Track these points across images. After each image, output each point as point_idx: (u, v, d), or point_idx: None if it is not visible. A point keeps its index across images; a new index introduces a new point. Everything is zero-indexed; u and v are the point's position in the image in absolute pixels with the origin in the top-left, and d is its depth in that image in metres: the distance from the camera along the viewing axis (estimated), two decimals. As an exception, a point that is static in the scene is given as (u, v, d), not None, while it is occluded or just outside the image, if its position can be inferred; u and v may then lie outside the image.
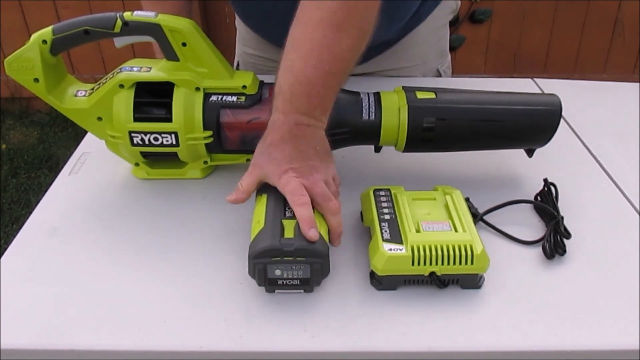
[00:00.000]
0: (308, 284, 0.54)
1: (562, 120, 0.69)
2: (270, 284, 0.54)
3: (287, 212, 0.56)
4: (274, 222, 0.55)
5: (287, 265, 0.53)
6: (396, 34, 0.94)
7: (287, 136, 0.58)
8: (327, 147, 0.62)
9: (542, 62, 2.53)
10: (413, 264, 0.54)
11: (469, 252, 0.54)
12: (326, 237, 0.56)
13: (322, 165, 0.59)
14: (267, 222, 0.55)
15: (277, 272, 0.53)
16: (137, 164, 0.73)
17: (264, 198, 0.59)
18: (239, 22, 1.05)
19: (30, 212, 0.67)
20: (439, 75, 1.03)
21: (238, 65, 1.07)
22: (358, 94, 0.68)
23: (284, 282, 0.54)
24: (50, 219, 0.67)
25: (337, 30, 0.59)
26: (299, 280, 0.54)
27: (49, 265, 0.60)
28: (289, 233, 0.54)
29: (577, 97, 0.93)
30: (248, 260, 0.54)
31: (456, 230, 0.56)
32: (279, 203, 0.57)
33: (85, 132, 0.77)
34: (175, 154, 0.70)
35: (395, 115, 0.67)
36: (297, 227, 0.54)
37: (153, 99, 0.67)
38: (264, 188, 0.60)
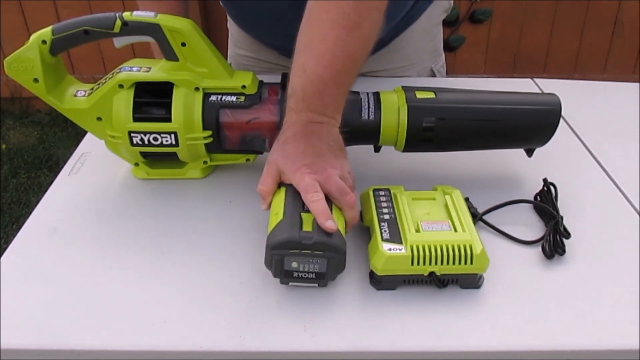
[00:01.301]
0: (323, 279, 0.54)
1: (561, 120, 0.69)
2: (285, 276, 0.54)
3: (305, 206, 0.56)
4: (293, 214, 0.55)
5: (304, 259, 0.53)
6: (389, 34, 0.94)
7: (300, 133, 0.59)
8: (341, 143, 0.62)
9: (542, 62, 2.53)
10: (412, 263, 0.54)
11: (469, 252, 0.54)
12: (343, 232, 0.56)
13: (337, 160, 0.60)
14: (285, 214, 0.55)
15: (294, 265, 0.53)
16: (136, 164, 0.73)
17: (282, 191, 0.59)
18: (231, 24, 1.05)
19: (30, 212, 0.68)
20: (433, 74, 1.04)
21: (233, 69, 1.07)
22: (357, 93, 0.68)
23: (300, 275, 0.54)
24: (50, 219, 0.67)
25: (349, 31, 0.60)
26: (314, 274, 0.54)
27: (49, 265, 0.60)
28: (307, 226, 0.54)
29: (577, 97, 0.93)
30: (265, 251, 0.54)
31: (456, 230, 0.56)
32: (297, 196, 0.57)
33: (85, 132, 0.77)
34: (174, 154, 0.70)
35: (394, 115, 0.67)
36: (316, 221, 0.54)
37: (153, 99, 0.67)
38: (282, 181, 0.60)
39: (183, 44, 0.65)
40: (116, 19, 0.64)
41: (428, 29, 0.99)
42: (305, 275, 0.54)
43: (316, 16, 0.61)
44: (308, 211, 0.56)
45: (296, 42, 0.62)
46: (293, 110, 0.61)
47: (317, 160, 0.59)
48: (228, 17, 1.05)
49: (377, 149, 0.72)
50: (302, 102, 0.60)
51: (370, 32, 0.62)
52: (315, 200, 0.56)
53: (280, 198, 0.58)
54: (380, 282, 0.56)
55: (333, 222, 0.54)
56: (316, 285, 0.55)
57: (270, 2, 0.86)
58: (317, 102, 0.60)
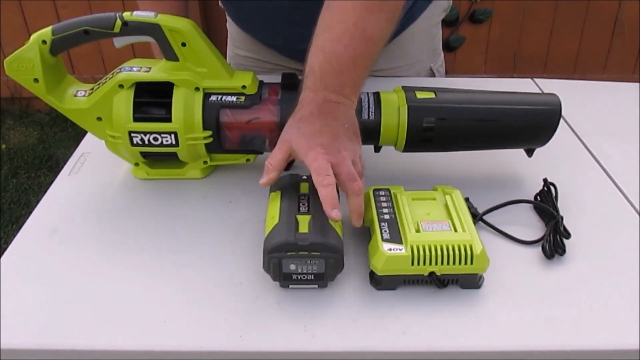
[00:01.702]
0: (322, 279, 0.54)
1: (562, 120, 0.69)
2: (284, 279, 0.54)
3: (301, 208, 0.57)
4: (289, 217, 0.55)
5: (302, 260, 0.53)
6: None
7: (317, 112, 0.59)
8: (356, 127, 0.62)
9: (542, 62, 2.53)
10: (413, 263, 0.54)
11: (469, 252, 0.54)
12: (340, 233, 0.56)
13: (350, 144, 0.59)
14: (281, 218, 0.55)
15: (292, 267, 0.54)
16: (137, 164, 0.73)
17: (277, 194, 0.59)
18: (230, 24, 1.05)
19: (30, 212, 0.67)
20: (433, 74, 1.04)
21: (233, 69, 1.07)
22: (358, 93, 0.68)
23: (299, 277, 0.54)
24: (50, 219, 0.67)
25: (370, 13, 0.60)
26: (313, 275, 0.54)
27: (49, 265, 0.60)
28: (303, 228, 0.54)
29: (577, 97, 0.93)
30: (263, 255, 0.54)
31: (456, 230, 0.56)
32: (293, 199, 0.58)
33: (85, 132, 0.77)
34: (175, 154, 0.70)
35: (394, 115, 0.67)
36: (312, 223, 0.55)
37: (153, 99, 0.67)
38: (278, 184, 0.61)
39: (183, 44, 0.65)
40: (116, 19, 0.64)
41: (428, 28, 1.00)
42: (304, 277, 0.54)
43: None
44: (304, 213, 0.56)
45: (316, 25, 0.62)
46: (309, 89, 0.60)
47: (332, 141, 0.58)
48: (227, 18, 1.05)
49: (377, 149, 0.72)
50: (320, 81, 0.60)
51: (392, 15, 0.63)
52: (325, 185, 0.55)
53: (275, 202, 0.58)
54: (381, 282, 0.56)
55: (339, 212, 0.54)
56: (316, 286, 0.55)
57: (270, 2, 0.86)
58: (335, 82, 0.60)
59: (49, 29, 0.65)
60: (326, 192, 0.55)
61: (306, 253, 0.53)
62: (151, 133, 0.67)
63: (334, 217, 0.53)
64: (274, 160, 0.59)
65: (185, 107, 0.66)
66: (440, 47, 1.06)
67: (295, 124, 0.60)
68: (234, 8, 0.95)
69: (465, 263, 0.54)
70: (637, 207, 0.68)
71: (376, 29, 0.61)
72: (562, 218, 0.64)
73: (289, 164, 0.73)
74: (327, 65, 0.60)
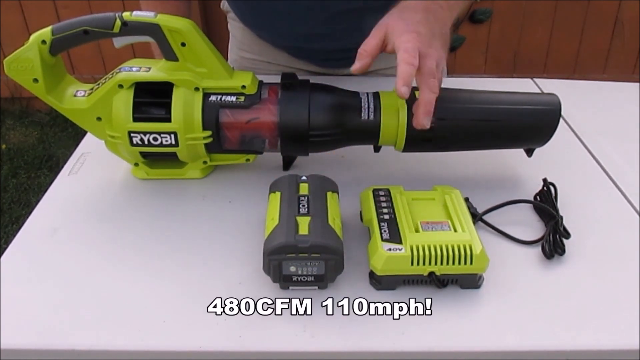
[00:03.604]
0: (322, 281, 0.55)
1: (561, 120, 0.69)
2: (285, 281, 0.55)
3: (301, 209, 0.57)
4: (289, 218, 0.55)
5: (302, 262, 0.53)
6: None
7: (421, 7, 0.60)
8: (447, 38, 0.62)
9: (542, 62, 2.54)
10: (412, 263, 0.54)
11: (468, 252, 0.54)
12: (340, 234, 0.56)
13: (440, 49, 0.59)
14: (281, 219, 0.56)
15: (292, 269, 0.54)
16: (136, 164, 0.73)
17: (277, 195, 0.59)
18: (235, 27, 1.04)
19: (30, 212, 0.68)
20: None
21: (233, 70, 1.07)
22: (357, 93, 0.68)
23: (299, 279, 0.54)
24: (50, 219, 0.67)
25: None
26: (313, 277, 0.54)
27: (49, 265, 0.60)
28: (303, 230, 0.54)
29: (577, 97, 0.93)
30: (263, 257, 0.54)
31: (455, 230, 0.56)
32: (293, 200, 0.58)
33: (85, 132, 0.77)
34: (174, 154, 0.70)
35: (394, 115, 0.67)
36: (312, 224, 0.55)
37: (152, 99, 0.67)
38: (277, 185, 0.61)
39: (183, 44, 0.65)
40: (116, 19, 0.64)
41: None
42: (304, 278, 0.54)
43: None
44: (303, 215, 0.56)
45: None
46: None
47: (428, 35, 0.58)
48: (230, 20, 1.04)
49: (377, 149, 0.72)
50: None
51: None
52: (408, 62, 0.54)
53: (275, 203, 0.58)
54: (380, 282, 0.56)
55: (407, 89, 0.54)
56: (316, 287, 0.55)
57: (287, 1, 0.86)
58: None
59: (48, 29, 0.65)
60: (405, 68, 0.54)
61: (306, 255, 0.53)
62: (151, 133, 0.67)
63: (401, 92, 0.53)
64: (368, 45, 0.58)
65: (185, 107, 0.66)
66: None
67: (397, 11, 0.60)
68: (247, 8, 0.94)
69: (465, 263, 0.54)
70: (637, 207, 0.68)
71: None
72: (561, 218, 0.64)
73: (289, 164, 0.73)
74: None
